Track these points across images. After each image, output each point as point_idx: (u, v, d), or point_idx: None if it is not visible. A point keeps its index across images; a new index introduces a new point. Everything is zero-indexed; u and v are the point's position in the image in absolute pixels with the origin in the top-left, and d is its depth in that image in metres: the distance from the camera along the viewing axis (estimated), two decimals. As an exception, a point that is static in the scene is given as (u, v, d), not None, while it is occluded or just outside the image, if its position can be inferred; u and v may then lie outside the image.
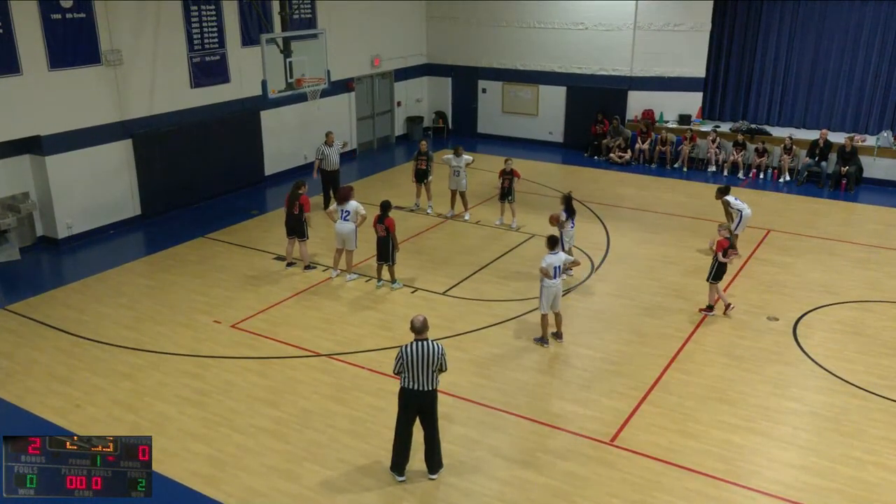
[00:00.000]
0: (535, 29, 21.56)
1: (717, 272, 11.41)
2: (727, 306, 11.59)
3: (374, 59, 21.23)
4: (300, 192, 12.95)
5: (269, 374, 9.96)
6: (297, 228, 13.04)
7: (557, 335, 10.75)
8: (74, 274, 13.29)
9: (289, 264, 13.37)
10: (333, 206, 12.70)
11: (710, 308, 11.63)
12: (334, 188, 16.16)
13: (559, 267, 10.41)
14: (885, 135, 18.24)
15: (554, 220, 12.29)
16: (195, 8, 16.00)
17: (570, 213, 12.54)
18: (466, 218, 15.77)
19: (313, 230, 13.24)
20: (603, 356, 10.41)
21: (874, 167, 18.16)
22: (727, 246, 11.35)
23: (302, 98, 16.39)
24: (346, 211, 12.52)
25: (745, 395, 9.42)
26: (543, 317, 10.58)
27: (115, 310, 11.82)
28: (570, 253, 12.72)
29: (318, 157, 15.99)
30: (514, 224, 15.18)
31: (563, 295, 12.09)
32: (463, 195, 15.72)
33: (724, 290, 12.29)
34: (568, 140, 21.89)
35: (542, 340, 10.67)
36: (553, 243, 10.44)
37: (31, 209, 14.08)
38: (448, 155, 15.82)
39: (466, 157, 15.56)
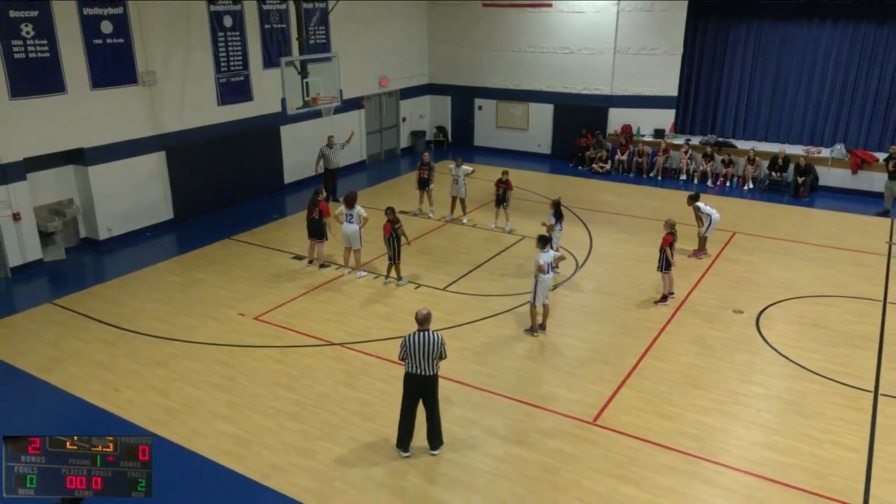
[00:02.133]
0: (526, 53, 21.50)
1: (667, 263, 11.47)
2: (666, 295, 11.62)
3: (381, 80, 21.17)
4: (319, 198, 12.91)
5: (287, 361, 9.91)
6: (317, 231, 12.98)
7: (542, 326, 10.71)
8: (114, 272, 13.23)
9: (310, 262, 13.32)
10: (340, 209, 12.67)
11: (664, 298, 11.62)
12: (334, 184, 17.06)
13: (550, 263, 10.42)
14: (839, 147, 18.18)
15: (550, 228, 12.28)
16: (222, 34, 15.95)
17: (559, 217, 12.50)
18: (465, 221, 15.70)
19: (334, 233, 13.15)
20: (588, 345, 10.36)
21: (828, 176, 18.10)
22: (671, 240, 11.47)
23: (317, 114, 16.35)
24: (351, 214, 12.49)
25: (714, 380, 9.37)
26: (533, 307, 10.56)
27: (151, 304, 11.76)
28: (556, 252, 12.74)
29: (319, 156, 16.81)
30: (507, 227, 15.11)
31: (552, 291, 12.07)
32: (462, 201, 15.66)
33: (695, 285, 12.28)
34: (555, 152, 21.81)
35: (532, 330, 10.64)
36: (544, 242, 10.42)
37: (76, 214, 14.03)
38: (451, 165, 15.78)
39: (465, 167, 15.51)
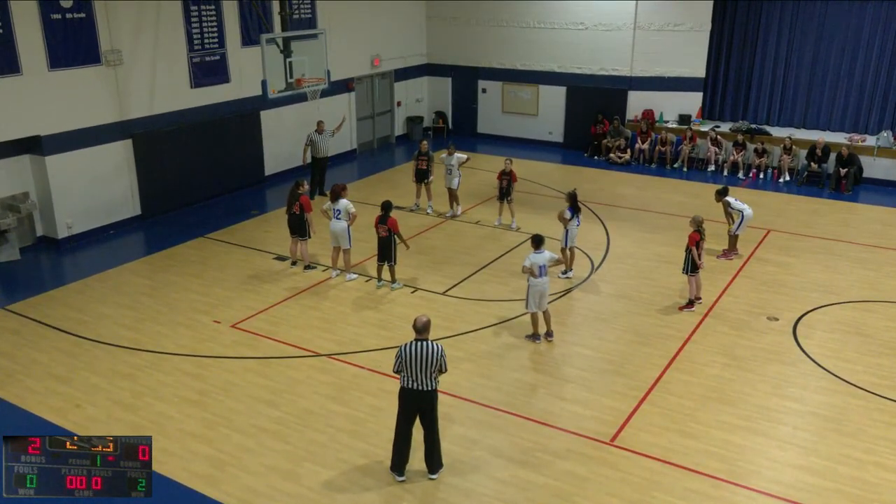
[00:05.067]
0: (534, 29, 21.58)
1: (693, 265, 11.51)
2: (692, 300, 11.70)
3: (373, 59, 21.25)
4: (299, 191, 12.96)
5: (268, 374, 9.97)
6: (298, 228, 13.04)
7: (548, 334, 10.77)
8: (74, 274, 13.30)
9: (293, 263, 13.39)
10: (327, 204, 12.74)
11: (689, 303, 11.69)
12: (322, 175, 17.06)
13: (544, 266, 10.47)
14: (885, 135, 18.25)
15: (563, 219, 12.39)
16: (195, 8, 16.01)
17: (575, 210, 12.57)
18: (458, 213, 15.77)
19: (315, 230, 13.21)
20: (602, 356, 10.43)
21: (874, 167, 18.18)
22: (698, 239, 11.47)
23: (302, 98, 16.43)
24: (338, 209, 12.55)
25: (745, 395, 9.43)
26: (532, 315, 10.64)
27: (116, 310, 11.83)
28: (571, 252, 12.80)
29: (306, 143, 16.82)
30: (513, 224, 15.18)
31: (565, 294, 12.16)
32: (454, 193, 15.72)
33: (724, 290, 12.34)
34: (568, 140, 21.90)
35: (533, 337, 10.72)
36: (538, 242, 10.50)
37: (32, 209, 14.09)
38: (443, 154, 15.85)
39: (459, 155, 15.59)
